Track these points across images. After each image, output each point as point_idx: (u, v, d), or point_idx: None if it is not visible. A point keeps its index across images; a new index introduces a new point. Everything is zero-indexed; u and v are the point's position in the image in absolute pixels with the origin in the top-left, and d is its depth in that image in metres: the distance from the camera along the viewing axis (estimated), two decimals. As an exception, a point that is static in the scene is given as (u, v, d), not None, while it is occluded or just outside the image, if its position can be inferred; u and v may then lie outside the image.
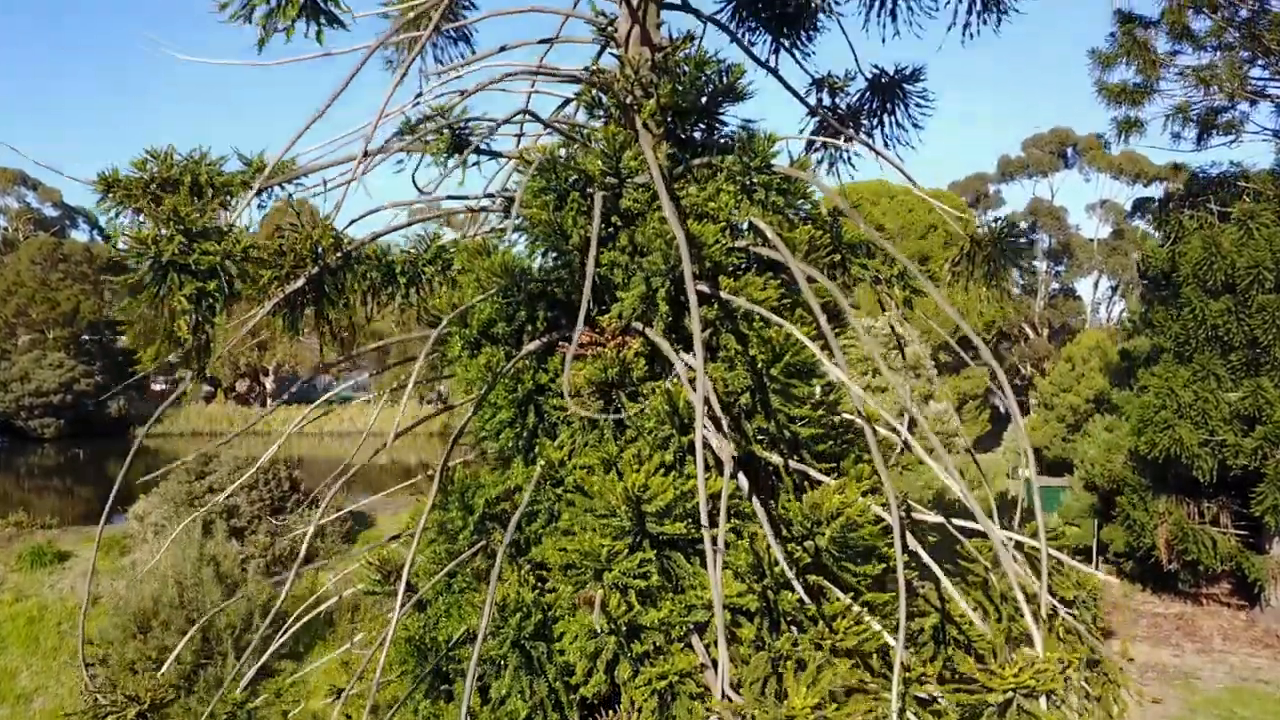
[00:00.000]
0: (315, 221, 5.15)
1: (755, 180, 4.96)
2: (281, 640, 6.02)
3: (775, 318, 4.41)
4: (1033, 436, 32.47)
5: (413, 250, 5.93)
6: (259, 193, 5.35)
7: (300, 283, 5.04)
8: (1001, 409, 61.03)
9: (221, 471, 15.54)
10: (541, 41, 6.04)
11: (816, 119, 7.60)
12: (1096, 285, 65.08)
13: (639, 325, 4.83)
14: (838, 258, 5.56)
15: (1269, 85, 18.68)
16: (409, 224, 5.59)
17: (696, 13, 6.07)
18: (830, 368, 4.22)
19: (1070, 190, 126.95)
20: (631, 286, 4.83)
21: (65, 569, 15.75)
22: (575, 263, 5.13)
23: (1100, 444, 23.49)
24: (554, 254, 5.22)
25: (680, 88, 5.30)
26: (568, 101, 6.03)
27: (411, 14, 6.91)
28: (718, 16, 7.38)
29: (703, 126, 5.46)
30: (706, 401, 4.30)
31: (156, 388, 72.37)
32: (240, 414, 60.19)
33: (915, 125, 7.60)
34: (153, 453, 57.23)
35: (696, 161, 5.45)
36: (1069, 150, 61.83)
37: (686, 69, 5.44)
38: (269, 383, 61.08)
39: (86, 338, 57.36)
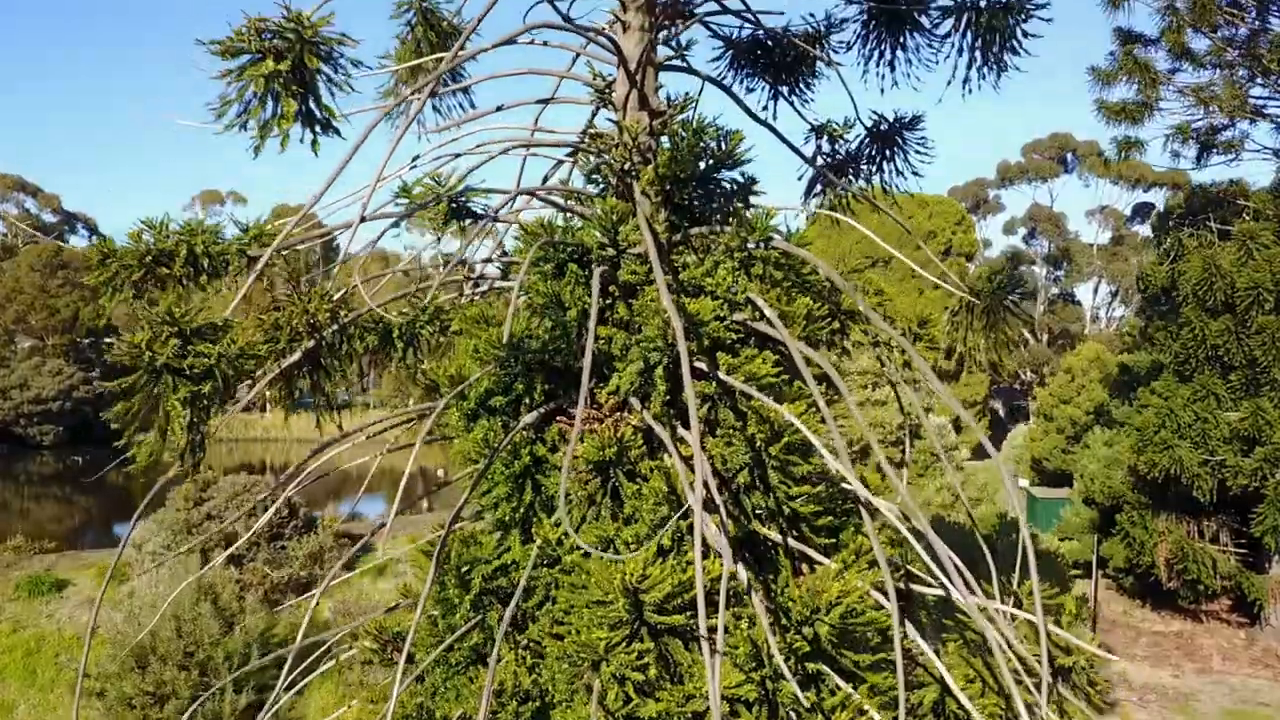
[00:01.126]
0: (312, 294, 5.13)
1: (754, 254, 4.94)
2: (284, 678, 5.99)
3: (771, 403, 4.38)
4: (1033, 448, 32.45)
5: (410, 311, 5.92)
6: (255, 262, 5.34)
7: (296, 357, 5.03)
8: (1001, 414, 61.05)
9: (219, 499, 15.51)
10: (539, 102, 6.03)
11: (816, 165, 7.58)
12: (1096, 291, 65.10)
13: (636, 401, 4.81)
14: (837, 325, 5.55)
15: (1269, 104, 18.67)
16: (401, 296, 5.56)
17: (695, 73, 6.05)
18: (828, 457, 4.19)
19: (1070, 196, 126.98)
20: (629, 362, 4.80)
21: (63, 598, 15.73)
22: (573, 333, 5.11)
23: (1100, 458, 23.44)
24: (552, 324, 5.20)
25: (679, 155, 5.28)
26: (561, 163, 6.01)
27: (411, 67, 6.90)
28: (716, 62, 7.40)
29: (701, 194, 5.44)
30: (705, 485, 4.29)
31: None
32: (241, 420, 60.14)
33: (915, 173, 7.60)
34: (151, 460, 57.23)
35: (694, 230, 5.43)
36: (1068, 156, 61.83)
37: (684, 134, 5.43)
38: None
39: (86, 343, 57.29)
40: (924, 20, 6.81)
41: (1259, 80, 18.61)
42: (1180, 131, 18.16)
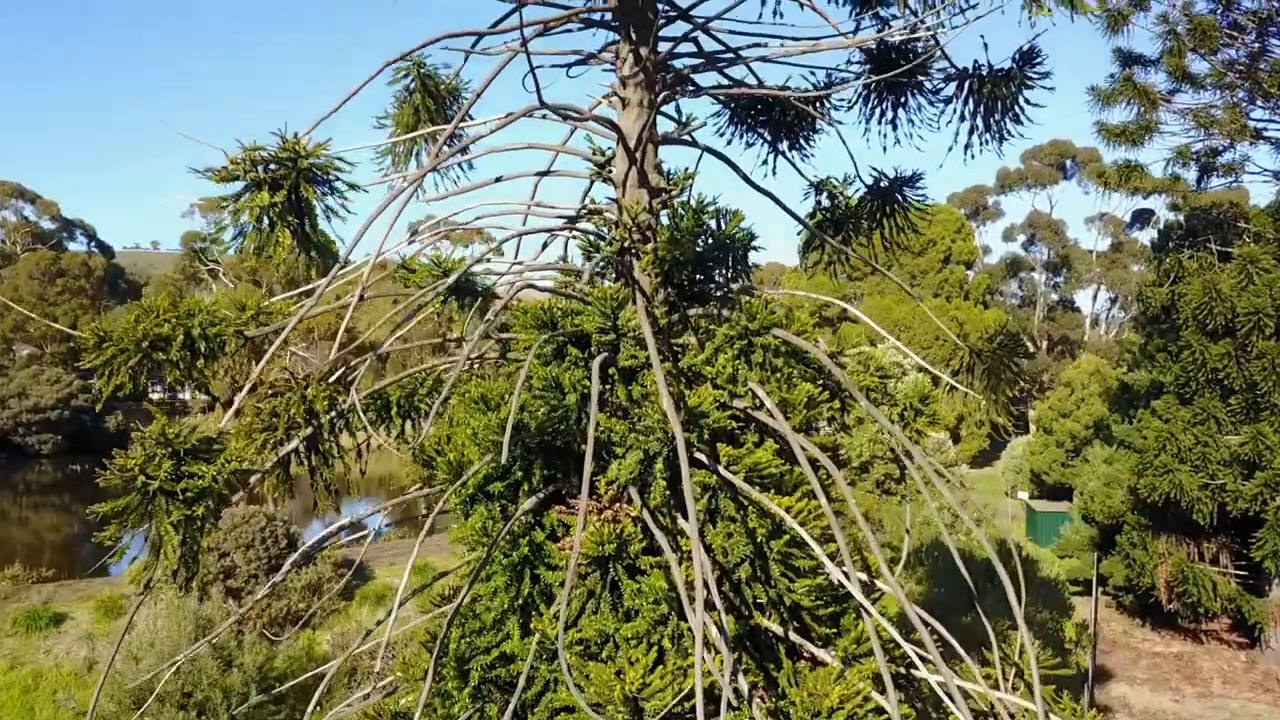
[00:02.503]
0: (310, 379, 5.10)
1: (754, 342, 4.90)
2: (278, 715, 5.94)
3: (772, 505, 4.35)
4: (1032, 461, 32.43)
5: (409, 384, 5.89)
6: (252, 342, 5.30)
7: (294, 445, 5.00)
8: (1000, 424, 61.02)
9: (218, 535, 15.49)
10: (537, 174, 6.00)
11: (813, 229, 7.55)
12: (1095, 297, 65.12)
13: (635, 492, 4.78)
14: (838, 404, 5.51)
15: (1269, 127, 18.66)
16: (400, 378, 5.52)
17: (694, 144, 6.02)
18: (831, 569, 4.16)
19: (1069, 202, 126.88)
20: (628, 449, 4.77)
21: (61, 633, 15.67)
22: (572, 417, 5.08)
23: (1100, 476, 23.43)
24: (551, 407, 5.16)
25: (678, 236, 5.24)
26: (559, 235, 5.97)
27: (409, 126, 6.87)
28: (716, 118, 7.37)
29: (700, 275, 5.40)
30: (705, 585, 4.26)
31: (155, 396, 72.37)
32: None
33: (915, 230, 7.57)
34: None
35: (694, 311, 5.40)
36: (1068, 162, 61.84)
37: (684, 213, 5.40)
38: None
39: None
40: (926, 82, 6.78)
41: (1259, 102, 18.59)
42: (1180, 155, 18.13)
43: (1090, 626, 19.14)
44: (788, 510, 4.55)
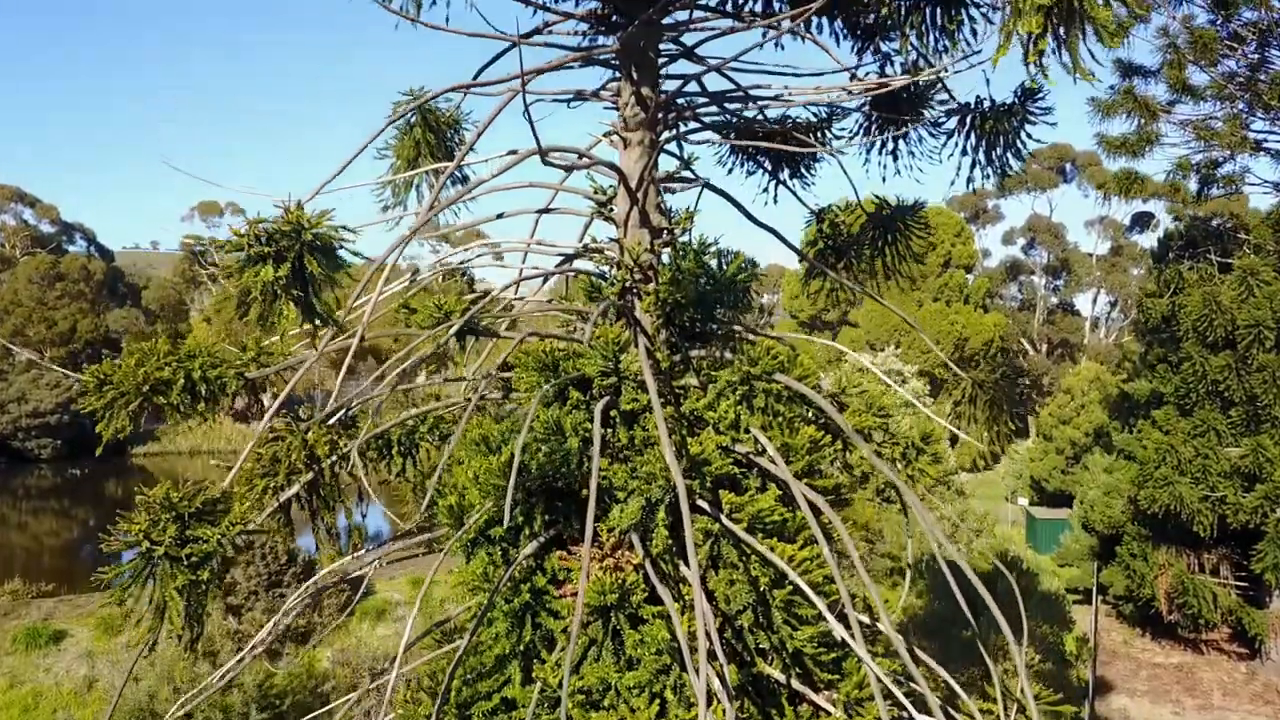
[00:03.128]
0: (310, 424, 5.09)
1: (756, 387, 4.89)
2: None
3: (775, 558, 4.34)
4: (1033, 468, 32.41)
5: (410, 422, 5.88)
6: (251, 384, 5.29)
7: (294, 490, 4.99)
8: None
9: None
10: (538, 211, 5.99)
11: (814, 261, 7.54)
12: (1095, 301, 65.08)
13: (637, 540, 4.77)
14: (839, 446, 5.51)
15: (1269, 139, 18.65)
16: (400, 422, 5.51)
17: (695, 180, 6.00)
18: (833, 623, 4.14)
19: (1069, 205, 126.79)
20: (630, 500, 4.76)
21: (61, 650, 15.62)
22: (573, 461, 5.07)
23: (1100, 485, 23.41)
24: (552, 450, 5.15)
25: (680, 278, 5.23)
26: (555, 272, 5.96)
27: (410, 158, 6.85)
28: (717, 148, 7.35)
29: (701, 315, 5.39)
30: (707, 635, 4.25)
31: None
32: (239, 431, 60.04)
33: (917, 260, 7.56)
34: (149, 472, 57.14)
35: (696, 353, 5.39)
36: (1067, 166, 61.79)
37: (685, 253, 5.39)
38: (267, 399, 60.87)
39: (85, 353, 57.16)
40: (927, 113, 6.77)
41: (1259, 114, 18.59)
42: (1181, 168, 18.13)
43: (1090, 639, 19.12)
44: (790, 560, 4.55)
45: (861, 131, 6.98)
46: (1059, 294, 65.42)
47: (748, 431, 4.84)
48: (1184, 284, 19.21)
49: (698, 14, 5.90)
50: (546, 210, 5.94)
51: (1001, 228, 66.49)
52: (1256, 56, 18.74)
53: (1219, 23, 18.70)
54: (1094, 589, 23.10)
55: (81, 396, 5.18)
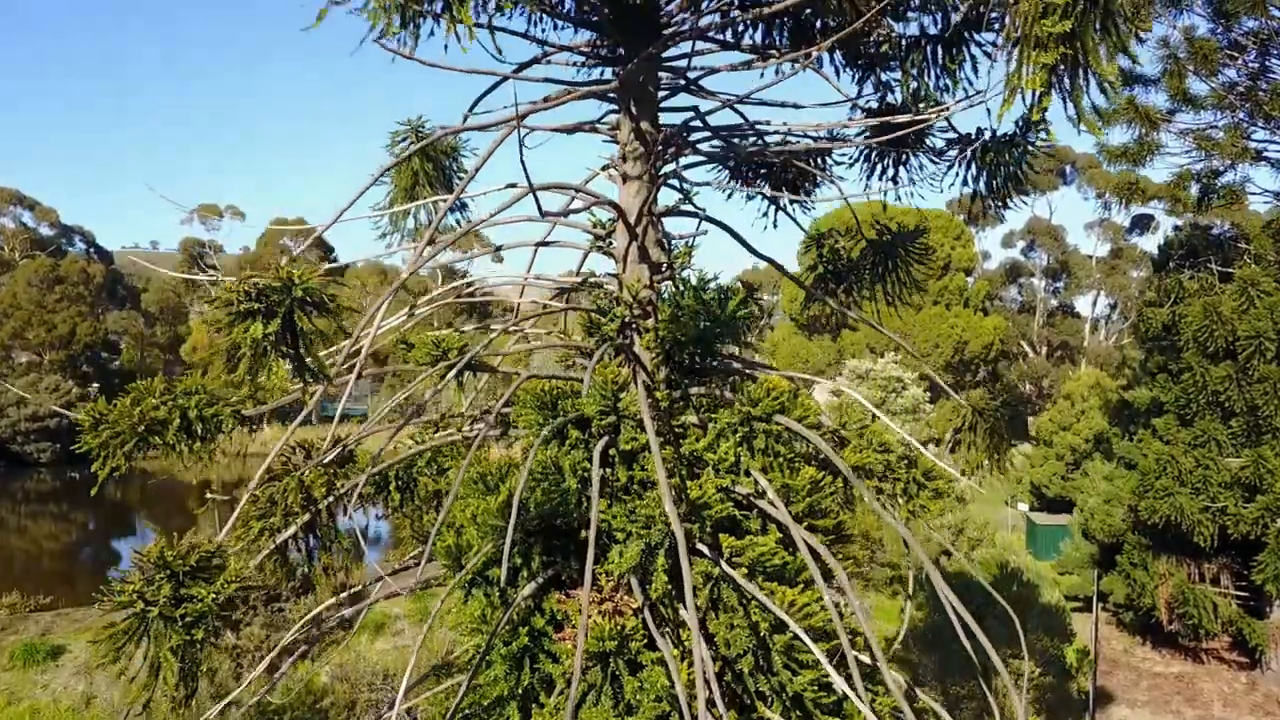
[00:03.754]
0: (308, 465, 5.05)
1: (756, 428, 4.86)
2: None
3: (774, 606, 4.31)
4: (1033, 474, 32.38)
5: (406, 459, 5.84)
6: (250, 423, 5.25)
7: (292, 531, 4.95)
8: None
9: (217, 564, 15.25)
10: (537, 244, 5.95)
11: (814, 291, 7.50)
12: (1095, 303, 65.01)
13: (637, 585, 4.73)
14: (841, 484, 5.47)
15: (1269, 148, 18.62)
16: (407, 458, 5.47)
17: (695, 214, 5.97)
18: (833, 675, 4.11)
19: (1069, 208, 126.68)
20: (629, 544, 4.72)
21: (59, 666, 15.57)
22: (572, 501, 5.04)
23: (1100, 493, 23.37)
24: (551, 489, 5.12)
25: (679, 316, 5.20)
26: (553, 308, 5.93)
27: (410, 187, 6.81)
28: (717, 171, 7.31)
29: (701, 352, 5.36)
30: (706, 683, 4.21)
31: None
32: (238, 434, 59.89)
33: (919, 288, 7.53)
34: (149, 475, 57.10)
35: (696, 390, 5.35)
36: (1067, 168, 61.73)
37: (685, 290, 5.36)
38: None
39: (85, 356, 57.07)
40: (928, 138, 6.73)
41: (1259, 123, 18.55)
42: (1182, 179, 18.10)
43: (1091, 651, 19.08)
44: (791, 605, 4.52)
45: (862, 158, 6.94)
46: (1059, 296, 65.39)
47: (748, 474, 4.81)
48: (1184, 293, 19.17)
49: (698, 45, 5.86)
50: (544, 243, 5.91)
51: (1001, 230, 66.45)
52: (1257, 65, 18.72)
53: (1219, 31, 18.68)
54: (1094, 597, 23.07)
55: (78, 435, 5.15)
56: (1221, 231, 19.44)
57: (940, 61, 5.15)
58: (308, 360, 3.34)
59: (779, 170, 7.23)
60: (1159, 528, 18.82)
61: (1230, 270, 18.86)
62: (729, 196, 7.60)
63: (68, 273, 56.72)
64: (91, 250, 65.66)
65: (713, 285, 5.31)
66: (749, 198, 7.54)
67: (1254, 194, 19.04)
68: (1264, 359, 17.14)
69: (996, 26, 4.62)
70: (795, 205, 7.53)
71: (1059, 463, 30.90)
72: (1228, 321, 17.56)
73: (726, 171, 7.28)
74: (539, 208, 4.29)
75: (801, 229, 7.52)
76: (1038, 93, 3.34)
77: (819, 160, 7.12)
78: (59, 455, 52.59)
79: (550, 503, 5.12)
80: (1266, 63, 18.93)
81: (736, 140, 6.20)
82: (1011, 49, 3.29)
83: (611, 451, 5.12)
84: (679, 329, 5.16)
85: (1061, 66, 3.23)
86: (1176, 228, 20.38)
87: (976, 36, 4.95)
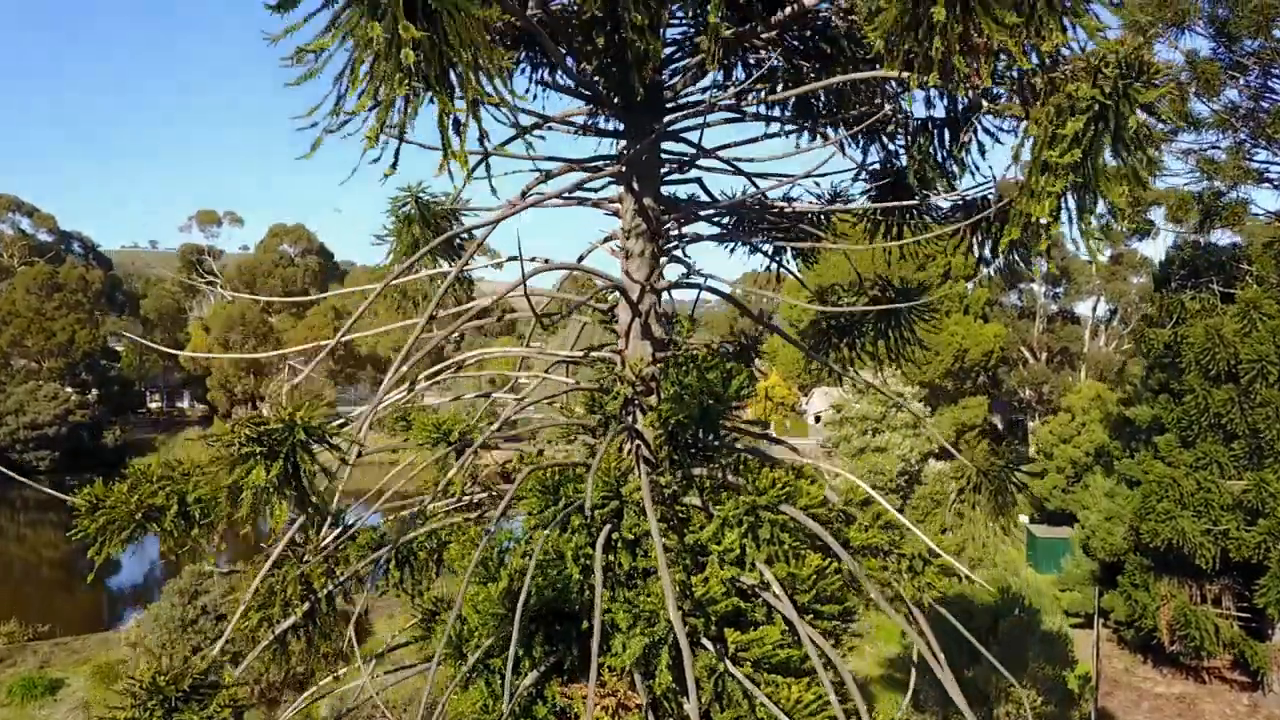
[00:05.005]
0: (308, 552, 4.99)
1: (762, 517, 4.80)
2: None
3: (773, 709, 4.25)
4: (1033, 485, 32.33)
5: (407, 540, 5.78)
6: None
7: (291, 621, 4.89)
8: (1000, 427, 60.87)
9: (215, 592, 15.31)
10: (539, 317, 5.88)
11: (818, 359, 7.44)
12: (1095, 308, 64.89)
13: (640, 680, 4.68)
14: (846, 568, 5.41)
15: (1270, 168, 18.58)
16: (411, 534, 5.41)
17: (698, 285, 5.91)
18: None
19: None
20: (632, 639, 4.66)
21: (57, 700, 15.49)
22: (574, 588, 4.98)
23: (1101, 510, 23.34)
24: (554, 575, 5.06)
25: (683, 397, 5.14)
26: (558, 388, 5.87)
27: (411, 243, 6.74)
28: (722, 220, 7.25)
29: (704, 432, 5.29)
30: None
31: (153, 405, 72.14)
32: (237, 441, 59.86)
33: (921, 345, 7.47)
34: (149, 482, 56.95)
35: (699, 471, 5.29)
36: (1067, 174, 61.58)
37: (688, 368, 5.30)
38: (265, 409, 60.85)
39: (83, 363, 57.02)
40: (932, 198, 6.67)
41: (1261, 144, 18.51)
42: (1183, 202, 18.04)
43: (1093, 676, 19.02)
44: (797, 702, 4.46)
45: (866, 218, 6.88)
46: (1059, 302, 65.27)
47: (753, 566, 4.75)
48: (1186, 314, 19.12)
49: (697, 104, 5.80)
50: (545, 315, 5.85)
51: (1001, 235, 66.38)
52: (1259, 84, 18.67)
53: (1220, 51, 18.63)
54: (1095, 614, 23.03)
55: (75, 519, 5.09)
56: (1223, 250, 19.39)
57: (947, 146, 5.09)
58: (310, 495, 3.29)
59: (782, 227, 7.18)
60: (1160, 550, 18.78)
61: (1232, 291, 18.81)
62: (732, 251, 7.55)
63: (66, 280, 56.67)
64: (90, 256, 65.60)
65: (715, 368, 5.25)
66: (752, 252, 7.49)
67: (1255, 214, 19.00)
68: (1266, 383, 17.09)
69: (1006, 114, 4.56)
70: (798, 260, 7.49)
71: (1059, 475, 30.86)
72: (1230, 344, 17.52)
73: (732, 219, 7.23)
74: (534, 312, 4.23)
75: (804, 285, 7.47)
76: (1046, 223, 3.28)
77: (823, 218, 7.07)
78: (58, 463, 52.60)
79: (553, 589, 5.07)
80: (1268, 83, 18.89)
81: (739, 203, 6.14)
82: (1020, 171, 3.23)
83: (615, 536, 5.07)
84: (681, 409, 5.09)
85: (1069, 196, 3.18)
86: (1176, 246, 20.32)
87: (984, 121, 4.89)
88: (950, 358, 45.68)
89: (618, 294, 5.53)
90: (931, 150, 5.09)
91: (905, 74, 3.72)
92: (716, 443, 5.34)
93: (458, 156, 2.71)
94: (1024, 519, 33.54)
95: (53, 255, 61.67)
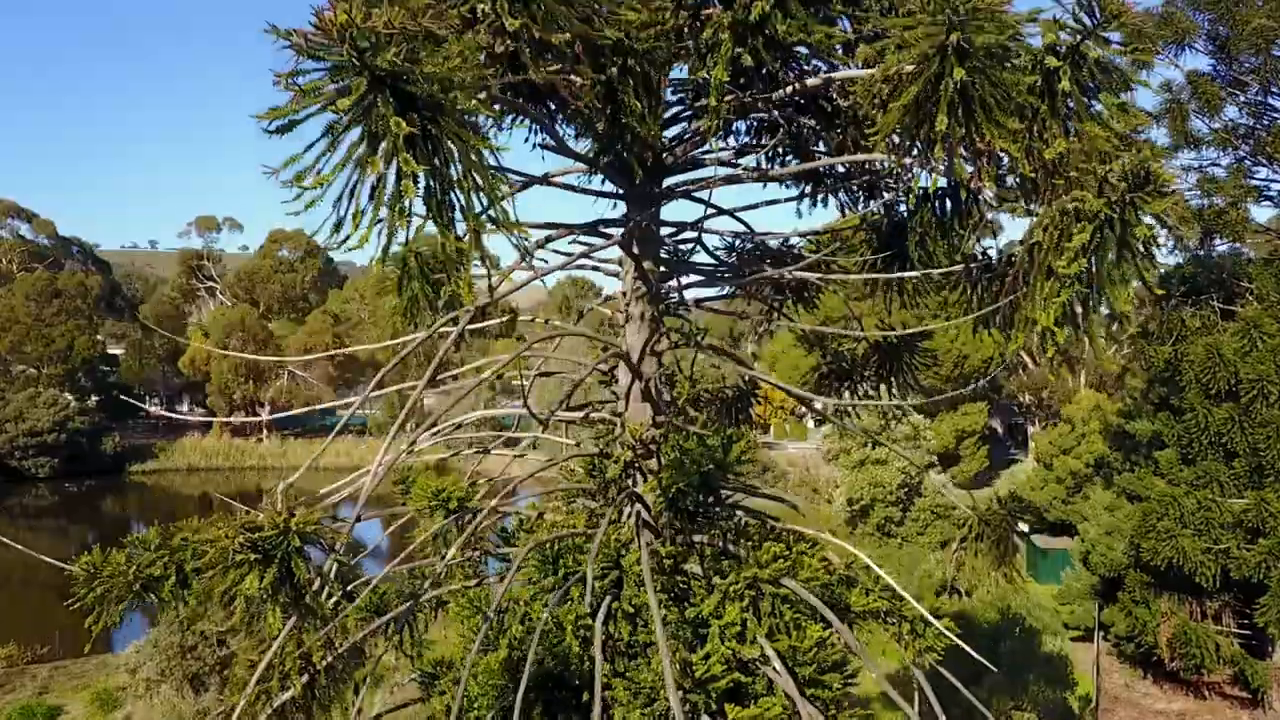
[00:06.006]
0: (307, 629, 4.97)
1: (764, 591, 4.78)
2: None
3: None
4: (1033, 497, 32.30)
5: (407, 610, 5.77)
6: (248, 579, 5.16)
7: (289, 694, 4.87)
8: (1000, 432, 60.93)
9: (215, 618, 15.30)
10: (537, 374, 5.87)
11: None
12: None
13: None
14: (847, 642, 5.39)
15: (1270, 186, 18.57)
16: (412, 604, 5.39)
17: (699, 346, 5.89)
18: None
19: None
20: (631, 713, 4.65)
21: (56, 730, 15.46)
22: (574, 660, 4.96)
23: (1101, 524, 23.29)
24: (552, 645, 5.04)
25: (684, 464, 5.12)
26: (556, 462, 5.85)
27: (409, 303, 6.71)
28: (723, 264, 7.23)
29: (705, 498, 5.27)
30: None
31: (153, 409, 72.03)
32: (236, 447, 59.90)
33: (921, 390, 7.46)
34: (149, 488, 57.01)
35: (699, 538, 5.27)
36: (1067, 179, 61.68)
37: (688, 435, 5.28)
38: (265, 414, 60.78)
39: (83, 369, 56.92)
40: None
41: (1261, 161, 18.50)
42: (1183, 223, 18.01)
43: (1093, 698, 19.02)
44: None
45: (867, 268, 6.86)
46: (1058, 306, 65.35)
47: (754, 640, 4.73)
48: (1186, 330, 19.08)
49: (698, 165, 5.78)
50: (547, 374, 5.83)
51: (1002, 239, 66.48)
52: (1259, 101, 18.66)
53: (1220, 67, 18.62)
54: (1096, 629, 23.01)
55: (75, 588, 5.07)
56: (1223, 266, 19.36)
57: (949, 214, 5.08)
58: (306, 599, 3.27)
59: (782, 286, 7.16)
60: (1161, 568, 18.74)
61: (1233, 308, 18.79)
62: (732, 296, 7.54)
63: (65, 286, 56.59)
64: (90, 261, 65.55)
65: (715, 439, 5.23)
66: (750, 299, 7.48)
67: (1256, 231, 18.98)
68: (1267, 403, 17.06)
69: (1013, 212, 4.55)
70: (799, 307, 7.47)
71: (1059, 486, 30.82)
72: (1230, 363, 17.48)
73: (733, 262, 7.21)
74: (531, 411, 4.21)
75: (804, 333, 7.46)
76: (1050, 331, 3.26)
77: (824, 267, 7.05)
78: (58, 469, 52.56)
79: (553, 658, 5.05)
80: (1268, 100, 18.88)
81: (740, 259, 6.13)
82: (1024, 279, 3.21)
83: (615, 606, 5.05)
84: (682, 476, 5.08)
85: (1074, 303, 3.16)
86: (1178, 265, 20.29)
87: (984, 194, 4.87)
88: (950, 365, 45.69)
89: (618, 357, 5.51)
90: (932, 221, 5.07)
91: (907, 158, 3.71)
92: (718, 508, 5.32)
93: (461, 285, 2.69)
94: (1023, 527, 33.53)
95: (52, 261, 61.59)
